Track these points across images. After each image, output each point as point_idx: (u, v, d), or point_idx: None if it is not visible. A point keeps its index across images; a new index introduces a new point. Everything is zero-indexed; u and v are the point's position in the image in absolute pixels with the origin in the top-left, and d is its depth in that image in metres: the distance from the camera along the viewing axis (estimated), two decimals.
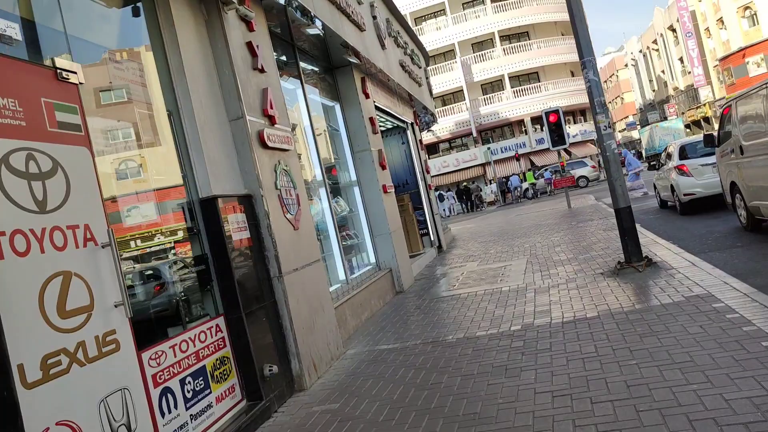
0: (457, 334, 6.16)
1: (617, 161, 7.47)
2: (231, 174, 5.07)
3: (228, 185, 4.95)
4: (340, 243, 8.06)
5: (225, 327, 4.60)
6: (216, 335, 4.46)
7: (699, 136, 14.89)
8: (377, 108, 11.23)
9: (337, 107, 9.73)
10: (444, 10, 50.21)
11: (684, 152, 13.50)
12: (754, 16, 46.91)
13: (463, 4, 50.60)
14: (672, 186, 13.61)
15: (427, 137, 49.40)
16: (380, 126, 13.53)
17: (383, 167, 10.13)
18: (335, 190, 8.96)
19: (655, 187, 15.99)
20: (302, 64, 8.42)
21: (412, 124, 14.69)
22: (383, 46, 11.05)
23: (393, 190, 10.48)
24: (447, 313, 7.43)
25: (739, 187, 9.36)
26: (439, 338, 6.19)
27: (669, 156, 14.49)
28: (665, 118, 66.97)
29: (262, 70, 5.78)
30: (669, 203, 15.27)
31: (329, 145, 9.40)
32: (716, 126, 53.42)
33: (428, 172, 15.24)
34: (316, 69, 9.32)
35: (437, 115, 49.29)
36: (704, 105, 57.90)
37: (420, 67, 15.90)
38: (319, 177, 8.05)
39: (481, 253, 12.98)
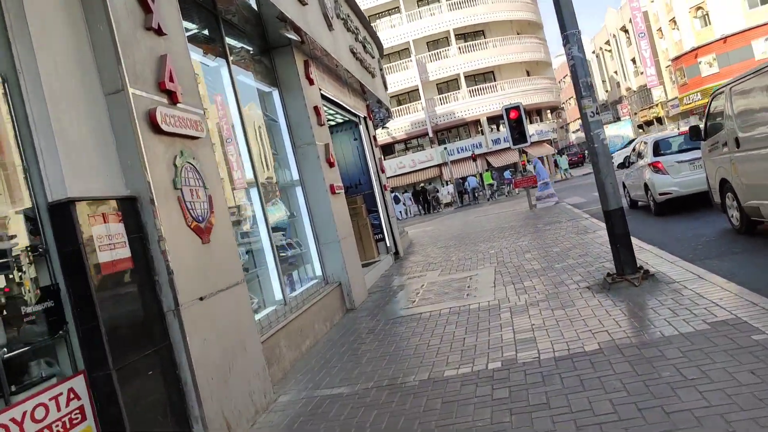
0: (420, 374, 4.82)
1: (607, 154, 6.26)
2: (104, 168, 3.61)
3: (97, 184, 3.50)
4: (276, 255, 6.63)
5: (86, 391, 3.15)
6: (68, 406, 3.01)
7: (672, 131, 13.95)
8: (324, 97, 9.84)
9: (276, 94, 8.31)
10: (398, 7, 49.05)
11: (658, 148, 12.49)
12: (706, 17, 47.18)
13: (417, 1, 49.54)
14: (645, 185, 12.59)
15: (382, 137, 48.18)
16: (329, 119, 12.14)
17: (331, 164, 8.75)
18: (270, 191, 7.52)
19: (623, 187, 15.01)
20: (230, 41, 6.98)
21: (365, 118, 13.34)
22: (330, 27, 9.67)
23: (343, 191, 9.11)
24: (406, 340, 6.08)
25: (731, 184, 8.29)
26: (397, 379, 4.83)
27: (640, 154, 13.49)
28: (618, 119, 67.47)
29: (159, 32, 4.33)
30: (640, 203, 14.30)
31: (264, 137, 7.97)
32: (665, 124, 53.78)
33: (383, 172, 13.91)
34: (250, 48, 7.88)
35: (393, 115, 48.38)
36: (657, 105, 58.32)
37: (373, 57, 14.57)
38: (249, 175, 6.62)
39: (442, 260, 11.71)
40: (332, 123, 12.80)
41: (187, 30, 5.43)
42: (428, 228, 22.57)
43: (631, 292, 5.93)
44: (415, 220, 33.01)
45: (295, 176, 8.30)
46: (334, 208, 8.36)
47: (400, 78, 48.42)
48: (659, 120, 59.52)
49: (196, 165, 4.40)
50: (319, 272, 8.26)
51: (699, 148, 12.08)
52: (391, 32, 49.12)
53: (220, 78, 6.61)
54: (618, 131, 58.74)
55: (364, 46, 13.24)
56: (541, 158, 50.88)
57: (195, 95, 4.70)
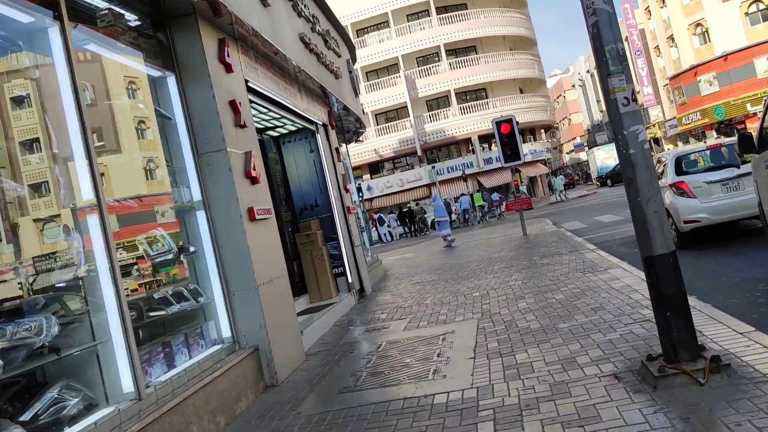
0: None
1: (650, 166, 3.91)
2: None
3: None
4: (125, 319, 4.21)
5: None
6: None
7: (698, 145, 11.69)
8: (256, 93, 7.51)
9: (172, 81, 5.95)
10: (387, 21, 47.16)
11: (681, 166, 10.20)
12: (706, 33, 45.35)
13: (407, 15, 47.57)
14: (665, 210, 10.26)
15: (369, 156, 45.99)
16: (274, 125, 9.82)
17: (253, 180, 6.37)
18: (128, 217, 5.11)
19: None
20: None
21: (325, 126, 11.00)
22: (264, 2, 7.36)
23: (271, 215, 6.71)
24: None
25: None
26: None
27: (658, 173, 11.18)
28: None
29: None
30: None
31: (155, 138, 5.62)
32: (665, 147, 51.81)
33: (347, 191, 11.53)
34: (133, 17, 5.56)
35: (380, 132, 46.19)
36: (654, 125, 56.40)
37: (339, 56, 12.28)
38: (87, 191, 4.22)
39: (414, 302, 9.31)
40: (281, 131, 10.46)
41: None
42: (409, 255, 20.15)
43: (694, 395, 3.55)
44: (399, 244, 30.63)
45: (196, 195, 5.91)
46: (252, 241, 5.98)
47: (388, 94, 46.39)
48: (656, 141, 57.60)
49: None
50: (227, 333, 5.85)
51: (732, 166, 9.86)
52: (379, 47, 47.18)
53: (46, 42, 4.25)
54: (610, 153, 56.75)
55: (326, 41, 10.94)
56: (533, 177, 48.79)
57: None
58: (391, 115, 48.13)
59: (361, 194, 36.76)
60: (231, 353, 5.65)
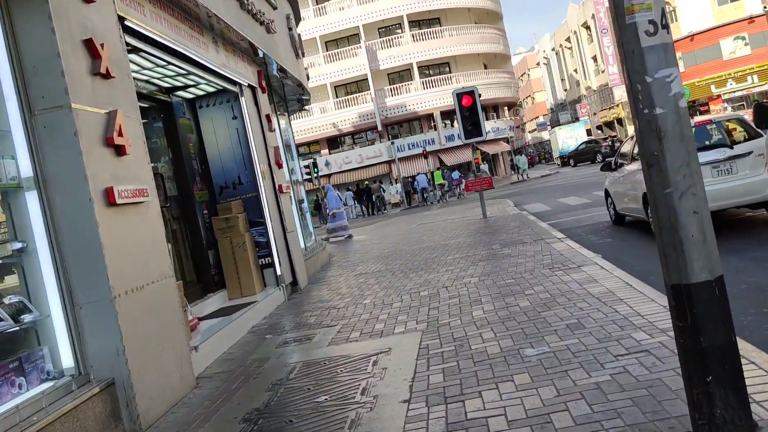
0: None
1: (687, 135, 2.39)
2: None
3: None
4: None
5: None
6: None
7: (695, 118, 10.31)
8: (149, 41, 5.79)
9: None
10: None
11: None
12: (673, 13, 44.45)
13: None
14: (644, 195, 8.90)
15: (328, 130, 44.01)
16: (189, 87, 8.10)
17: (119, 150, 4.68)
18: None
19: (607, 195, 11.34)
20: None
21: (253, 88, 9.27)
22: None
23: (146, 198, 5.00)
24: None
25: None
26: None
27: (637, 152, 9.78)
28: (577, 119, 64.77)
29: None
30: (627, 218, 10.66)
31: None
32: (628, 128, 51.07)
33: (280, 166, 9.84)
34: None
35: (339, 105, 44.25)
36: (618, 105, 55.63)
37: (275, 8, 10.51)
38: None
39: (351, 301, 7.76)
40: (195, 92, 8.71)
41: None
42: (361, 237, 18.60)
43: None
44: (354, 223, 29.02)
45: (26, 170, 4.20)
46: (109, 234, 4.32)
47: (348, 66, 44.38)
48: (619, 121, 57.03)
49: None
50: (68, 362, 4.20)
51: (723, 146, 8.55)
52: (339, 15, 45.01)
53: None
54: (572, 132, 55.83)
55: None
56: (495, 155, 47.50)
57: None
58: (352, 87, 46.21)
59: (317, 170, 34.95)
60: (70, 392, 4.01)
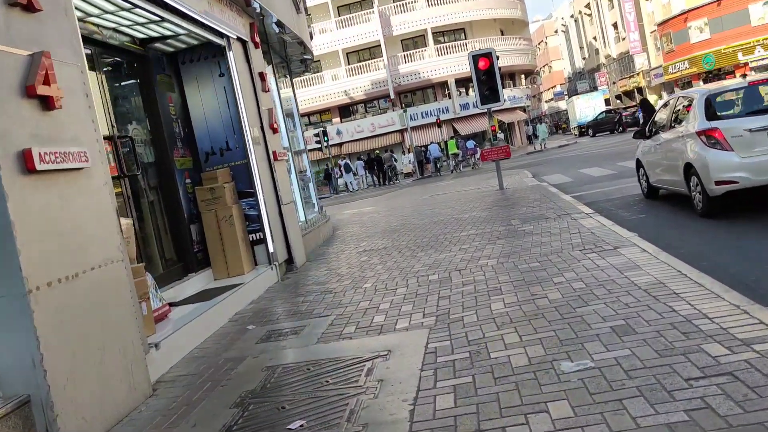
0: None
1: None
2: None
3: None
4: None
5: None
6: None
7: (737, 81, 9.11)
8: None
9: None
10: None
11: (713, 108, 7.66)
12: None
13: None
14: (687, 166, 7.80)
15: (339, 97, 42.71)
16: (168, 38, 7.07)
17: (45, 103, 3.68)
18: None
19: (639, 166, 10.21)
20: None
21: (243, 42, 8.20)
22: None
23: (85, 164, 3.98)
24: None
25: None
26: None
27: (677, 116, 8.64)
28: (595, 88, 62.81)
29: None
30: (662, 191, 9.57)
31: None
32: (652, 97, 49.31)
33: (275, 131, 8.80)
34: None
35: (351, 72, 42.85)
36: (638, 74, 53.70)
37: None
38: None
39: (350, 284, 6.79)
40: (177, 45, 7.65)
41: None
42: (369, 208, 17.59)
43: None
44: (363, 194, 28.04)
45: None
46: (26, 210, 3.36)
47: (360, 31, 42.87)
48: (639, 90, 55.17)
49: None
50: None
51: None
52: None
53: None
54: (589, 102, 54.11)
55: None
56: (511, 124, 45.95)
57: None
58: (364, 54, 44.76)
59: (327, 138, 33.83)
60: None
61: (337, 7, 43.93)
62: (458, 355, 3.91)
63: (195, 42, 7.63)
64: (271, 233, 7.88)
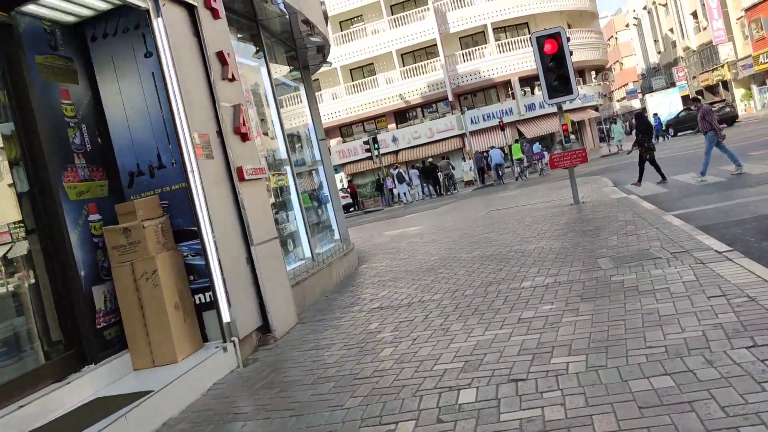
0: None
1: None
2: None
3: None
4: None
5: None
6: None
7: None
8: None
9: None
10: None
11: None
12: None
13: None
14: None
15: (394, 102, 40.08)
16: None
17: None
18: None
19: None
20: None
21: (189, 7, 5.53)
22: None
23: None
24: None
25: None
26: None
27: None
28: (672, 84, 57.85)
29: None
30: None
31: None
32: (739, 91, 44.37)
33: (245, 137, 6.06)
34: None
35: (406, 75, 40.06)
36: (723, 66, 48.66)
37: None
38: None
39: (334, 390, 3.96)
40: (79, 13, 5.02)
41: None
42: (414, 229, 14.68)
43: None
44: (417, 207, 25.17)
45: None
46: None
47: (415, 30, 40.18)
48: (725, 84, 50.12)
49: None
50: None
51: None
52: None
53: None
54: (665, 99, 49.50)
55: None
56: (581, 123, 42.03)
57: None
58: (419, 55, 42.06)
59: (377, 146, 31.12)
60: None
61: (390, 6, 41.38)
62: None
63: (105, 6, 5.00)
64: (226, 292, 5.13)
